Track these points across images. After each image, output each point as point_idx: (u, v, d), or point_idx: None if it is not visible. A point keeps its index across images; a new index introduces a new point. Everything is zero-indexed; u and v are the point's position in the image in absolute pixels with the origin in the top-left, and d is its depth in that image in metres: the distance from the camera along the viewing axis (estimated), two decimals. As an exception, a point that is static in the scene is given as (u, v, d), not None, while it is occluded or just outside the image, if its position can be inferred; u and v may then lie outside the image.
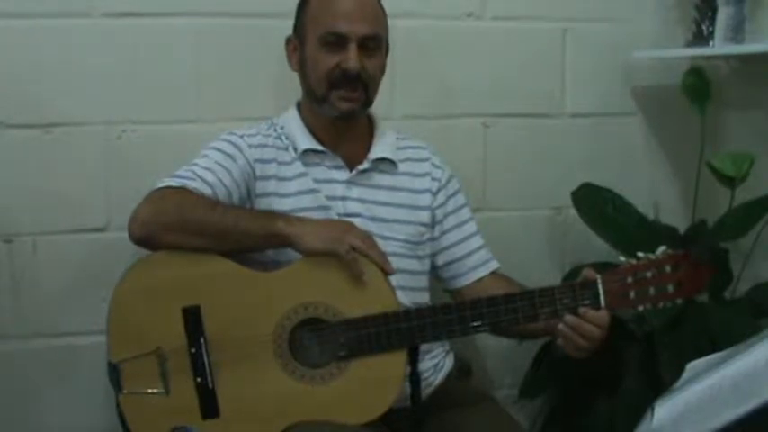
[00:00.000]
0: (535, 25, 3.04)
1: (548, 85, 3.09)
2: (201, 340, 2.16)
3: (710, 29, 2.92)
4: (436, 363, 2.45)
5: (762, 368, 1.59)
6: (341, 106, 2.34)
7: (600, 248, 2.88)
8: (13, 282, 2.68)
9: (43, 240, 2.68)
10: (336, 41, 2.31)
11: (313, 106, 2.41)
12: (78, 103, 2.67)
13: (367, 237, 2.20)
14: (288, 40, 2.46)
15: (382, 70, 2.43)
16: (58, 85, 2.65)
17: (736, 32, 2.81)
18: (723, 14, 2.82)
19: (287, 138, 2.42)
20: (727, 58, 3.04)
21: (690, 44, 3.01)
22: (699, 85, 2.91)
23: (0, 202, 2.65)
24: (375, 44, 2.36)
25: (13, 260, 2.67)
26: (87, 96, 2.67)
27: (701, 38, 2.97)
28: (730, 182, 2.73)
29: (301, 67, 2.41)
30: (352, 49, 2.31)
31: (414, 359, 2.21)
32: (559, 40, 3.07)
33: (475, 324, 2.18)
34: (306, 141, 2.40)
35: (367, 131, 2.49)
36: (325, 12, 2.34)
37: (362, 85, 2.34)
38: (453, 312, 2.18)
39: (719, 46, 2.86)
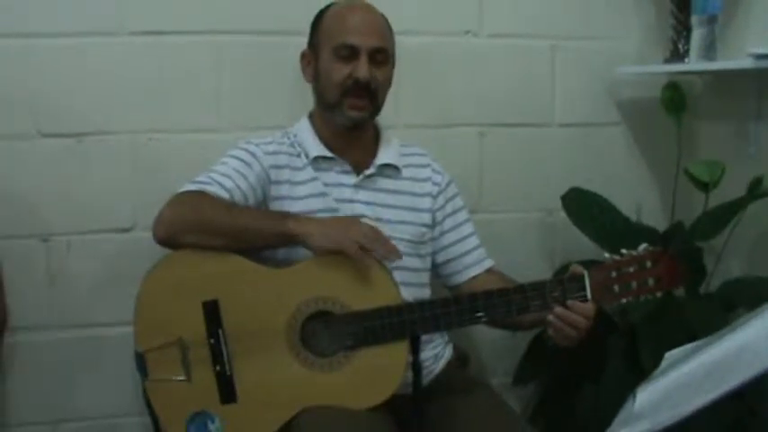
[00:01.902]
0: (528, 43, 3.03)
1: (539, 98, 3.08)
2: (220, 332, 2.16)
3: (686, 47, 2.92)
4: (436, 352, 2.44)
5: (731, 357, 1.59)
6: (351, 114, 2.34)
7: (587, 247, 2.87)
8: (50, 277, 2.69)
9: (76, 239, 2.69)
10: (349, 53, 2.32)
11: (325, 114, 2.41)
12: (108, 114, 2.68)
13: (371, 230, 2.19)
14: (303, 55, 2.46)
15: (390, 81, 2.43)
16: (89, 98, 2.66)
17: (709, 51, 2.80)
18: (697, 35, 2.82)
19: (299, 145, 2.42)
20: (700, 73, 3.04)
21: (667, 61, 3.01)
22: (676, 98, 2.91)
23: (37, 204, 2.66)
24: (383, 56, 2.37)
25: (49, 258, 2.69)
26: (116, 108, 2.68)
27: (677, 55, 2.97)
28: (705, 187, 2.72)
29: (315, 78, 2.42)
30: (363, 60, 2.32)
31: (415, 349, 2.21)
32: (549, 56, 3.06)
33: (471, 316, 2.18)
34: (316, 148, 2.40)
35: (373, 139, 2.49)
36: (338, 27, 2.35)
37: (371, 94, 2.35)
38: (452, 306, 2.18)
39: (694, 63, 2.85)
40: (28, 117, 2.63)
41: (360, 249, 2.13)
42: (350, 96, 2.33)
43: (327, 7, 2.44)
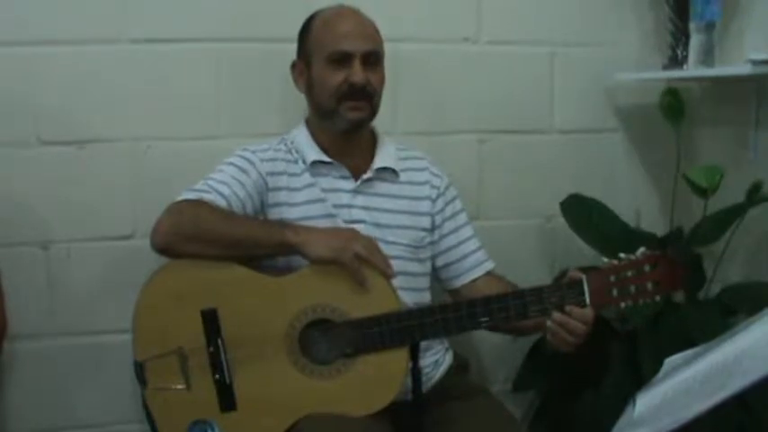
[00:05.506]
0: (526, 49, 3.03)
1: (538, 104, 3.07)
2: (219, 340, 2.16)
3: (684, 54, 2.92)
4: (436, 359, 2.43)
5: (730, 363, 1.59)
6: (351, 115, 2.33)
7: (586, 253, 2.87)
8: (49, 285, 2.68)
9: (76, 247, 2.68)
10: (342, 59, 2.31)
11: (322, 122, 2.40)
12: (108, 122, 2.67)
13: (369, 243, 2.19)
14: (293, 65, 2.46)
15: (383, 81, 2.42)
16: (89, 106, 2.65)
17: (707, 57, 2.80)
18: (695, 41, 2.82)
19: (296, 151, 2.41)
20: (699, 79, 3.04)
21: (666, 67, 3.01)
22: (674, 104, 2.90)
23: (38, 212, 2.65)
24: (375, 59, 2.36)
25: (49, 265, 2.67)
26: (116, 115, 2.67)
27: (675, 62, 2.97)
28: (703, 192, 2.71)
29: (309, 87, 2.41)
30: (357, 65, 2.31)
31: (415, 356, 2.20)
32: (548, 62, 3.06)
33: (470, 322, 2.18)
34: (314, 153, 2.39)
35: (370, 143, 2.47)
36: (328, 35, 2.35)
37: (368, 97, 2.34)
38: (450, 312, 2.18)
39: (692, 69, 2.86)
40: (28, 124, 2.62)
41: (357, 260, 2.13)
42: (347, 100, 2.32)
43: (313, 16, 2.43)
